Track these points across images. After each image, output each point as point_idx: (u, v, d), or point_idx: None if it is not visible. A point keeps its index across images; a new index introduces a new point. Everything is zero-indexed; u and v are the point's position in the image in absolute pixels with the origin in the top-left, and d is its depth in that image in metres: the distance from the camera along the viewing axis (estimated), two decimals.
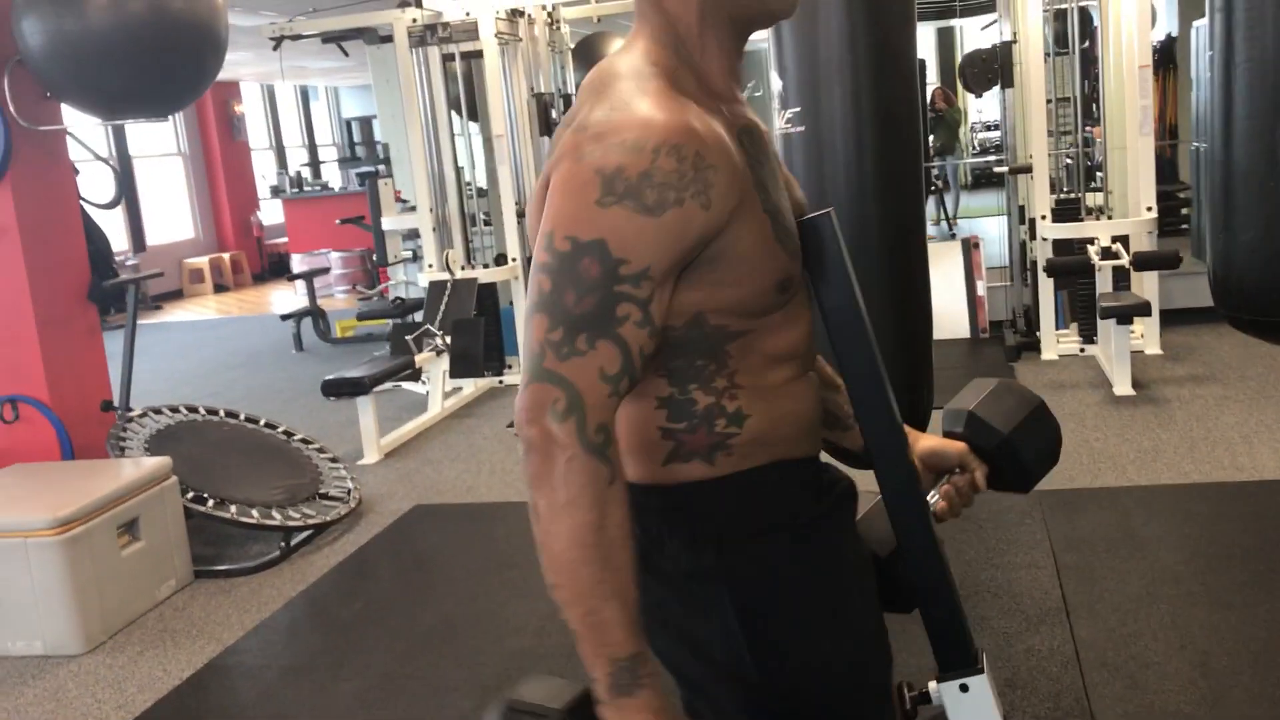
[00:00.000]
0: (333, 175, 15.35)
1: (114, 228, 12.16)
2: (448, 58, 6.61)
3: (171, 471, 3.84)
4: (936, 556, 1.29)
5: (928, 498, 1.40)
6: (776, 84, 2.80)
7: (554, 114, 6.78)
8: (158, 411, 4.47)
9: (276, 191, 13.60)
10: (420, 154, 6.47)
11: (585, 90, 1.17)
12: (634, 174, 1.05)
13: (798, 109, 2.74)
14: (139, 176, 12.82)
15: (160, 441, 4.26)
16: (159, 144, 13.32)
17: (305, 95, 16.56)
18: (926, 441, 1.44)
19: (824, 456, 1.35)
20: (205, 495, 3.97)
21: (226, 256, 13.49)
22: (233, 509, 3.97)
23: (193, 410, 4.61)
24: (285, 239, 13.40)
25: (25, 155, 4.04)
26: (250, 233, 14.05)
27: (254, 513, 4.00)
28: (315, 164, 15.88)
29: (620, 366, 1.06)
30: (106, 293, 4.34)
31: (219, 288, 13.17)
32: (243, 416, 4.73)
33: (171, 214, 13.38)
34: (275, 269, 13.68)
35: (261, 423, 4.72)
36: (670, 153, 1.06)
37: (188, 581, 3.86)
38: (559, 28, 7.20)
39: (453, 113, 7.03)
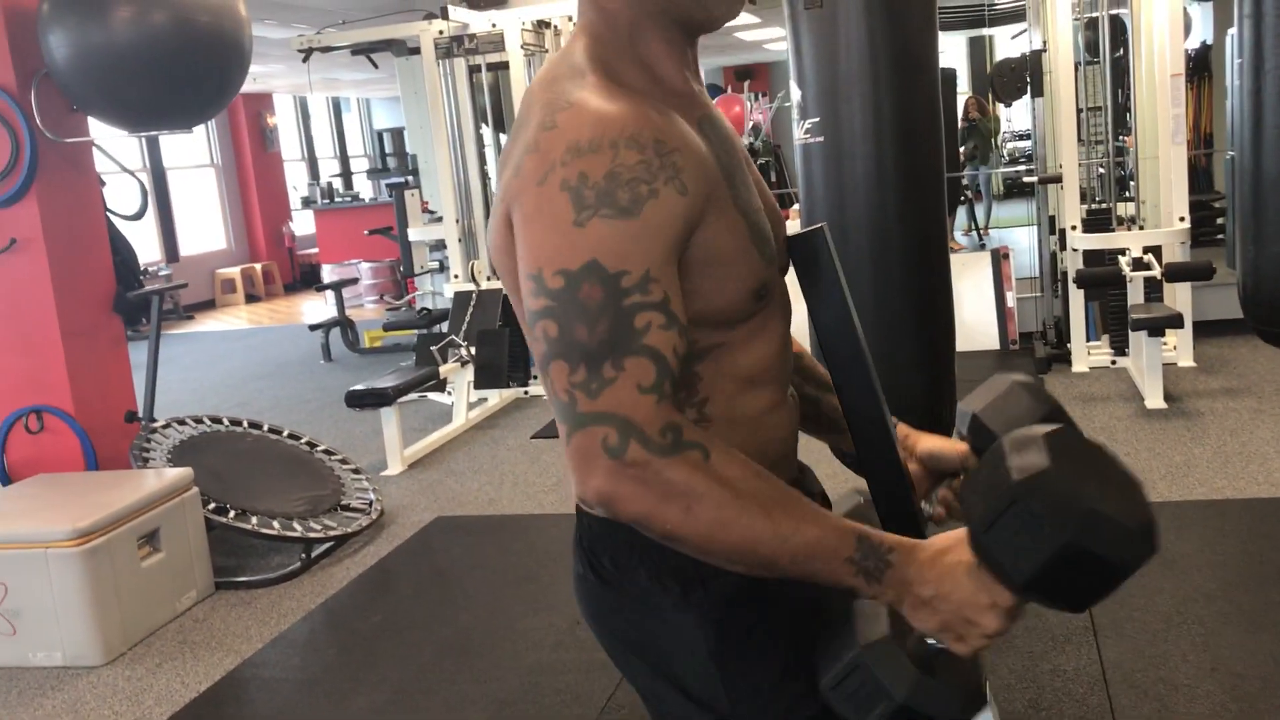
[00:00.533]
0: (364, 186, 15.43)
1: (147, 238, 12.29)
2: (474, 69, 6.62)
3: (193, 483, 3.84)
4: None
5: (922, 504, 1.29)
6: (796, 94, 2.76)
7: None
8: (181, 422, 4.48)
9: (308, 202, 13.68)
10: (446, 165, 6.49)
11: (527, 98, 1.11)
12: (599, 177, 0.99)
13: (817, 119, 2.71)
14: (172, 188, 12.94)
15: (183, 452, 4.27)
16: (192, 155, 13.44)
17: (337, 106, 16.67)
18: (927, 443, 1.36)
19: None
20: (227, 506, 3.97)
21: (258, 267, 13.58)
22: (254, 520, 3.97)
23: (216, 421, 4.62)
24: (316, 249, 13.49)
25: (51, 167, 4.07)
26: (282, 243, 14.15)
27: (275, 524, 4.00)
28: (347, 175, 15.98)
29: (656, 374, 0.98)
30: (131, 304, 4.36)
31: (251, 298, 13.26)
32: (266, 428, 4.74)
33: (204, 225, 13.50)
34: (307, 279, 13.76)
35: (285, 434, 4.73)
36: (629, 144, 1.00)
37: (209, 592, 3.86)
38: None
39: (481, 123, 7.05)
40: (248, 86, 13.07)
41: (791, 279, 1.24)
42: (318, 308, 11.74)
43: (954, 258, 7.07)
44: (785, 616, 1.14)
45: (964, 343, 6.23)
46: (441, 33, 6.36)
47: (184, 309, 12.27)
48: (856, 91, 2.67)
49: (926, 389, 2.75)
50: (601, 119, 1.02)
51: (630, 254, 0.98)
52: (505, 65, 6.42)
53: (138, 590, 3.52)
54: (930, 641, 1.03)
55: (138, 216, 4.56)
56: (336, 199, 13.49)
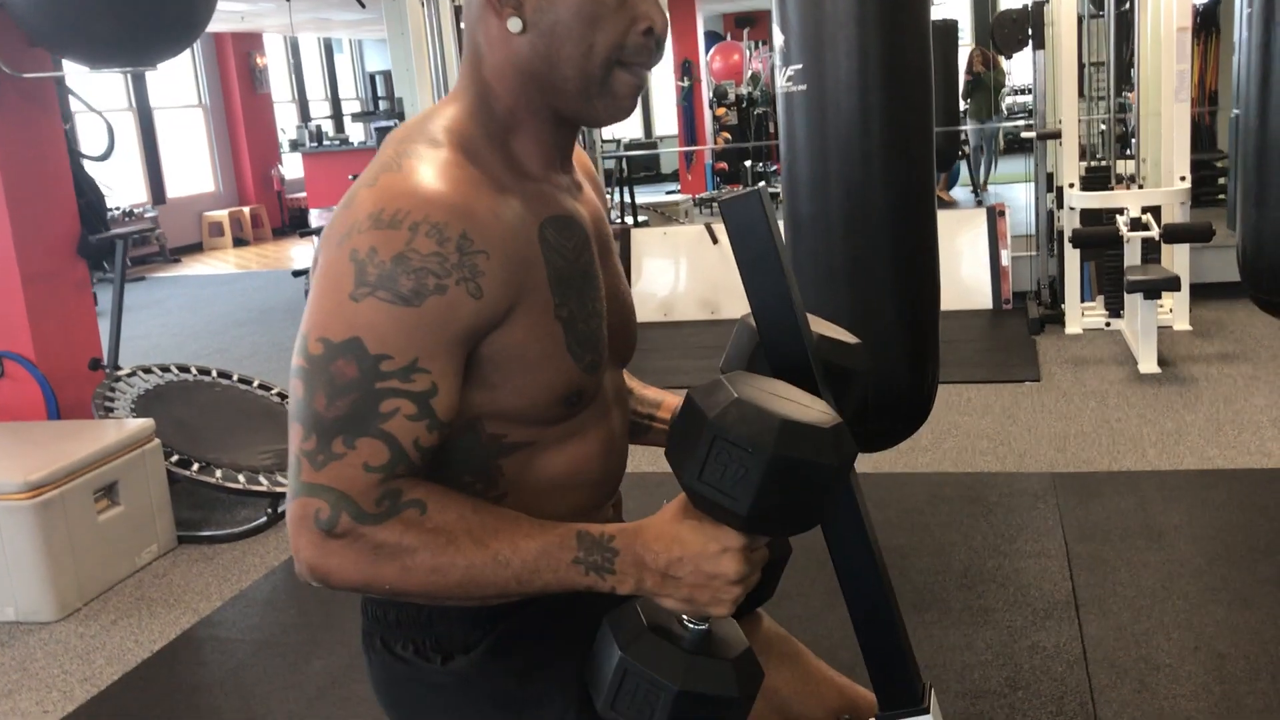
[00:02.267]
0: (355, 129, 15.19)
1: (133, 180, 12.09)
2: (459, 9, 6.42)
3: (155, 434, 3.72)
4: (875, 575, 1.14)
5: None
6: (778, 39, 2.61)
7: None
8: (147, 371, 4.36)
9: (295, 145, 13.46)
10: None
11: (380, 150, 1.07)
12: (387, 257, 0.95)
13: (799, 66, 2.56)
14: (159, 128, 12.70)
15: (148, 402, 4.15)
16: (180, 95, 13.20)
17: (329, 47, 16.37)
18: None
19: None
20: (190, 459, 3.86)
21: (247, 210, 13.39)
22: (218, 474, 3.86)
23: (184, 370, 4.50)
24: (305, 193, 13.30)
25: (10, 104, 3.91)
26: (271, 186, 13.94)
27: (240, 478, 3.89)
28: (338, 118, 15.73)
29: (388, 457, 0.97)
30: (96, 247, 4.21)
31: (238, 241, 13.08)
32: (236, 377, 4.62)
33: (192, 167, 13.28)
34: (296, 223, 13.57)
35: (255, 384, 4.61)
36: (430, 232, 0.96)
37: (170, 547, 3.76)
38: None
39: None
40: (236, 25, 12.84)
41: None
42: (306, 252, 11.57)
43: (948, 214, 6.93)
44: (558, 657, 1.12)
45: (957, 301, 6.14)
46: None
47: (170, 252, 12.10)
48: (842, 36, 2.52)
49: (908, 350, 2.63)
50: (415, 196, 0.98)
51: (398, 340, 0.96)
52: None
53: (94, 545, 3.42)
54: (691, 625, 1.02)
55: (104, 157, 4.40)
56: (325, 142, 13.27)
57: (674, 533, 0.99)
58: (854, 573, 1.14)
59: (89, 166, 4.51)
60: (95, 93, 11.56)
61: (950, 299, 5.45)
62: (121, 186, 11.79)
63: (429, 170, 1.00)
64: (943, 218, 6.59)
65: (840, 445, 0.96)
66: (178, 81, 13.02)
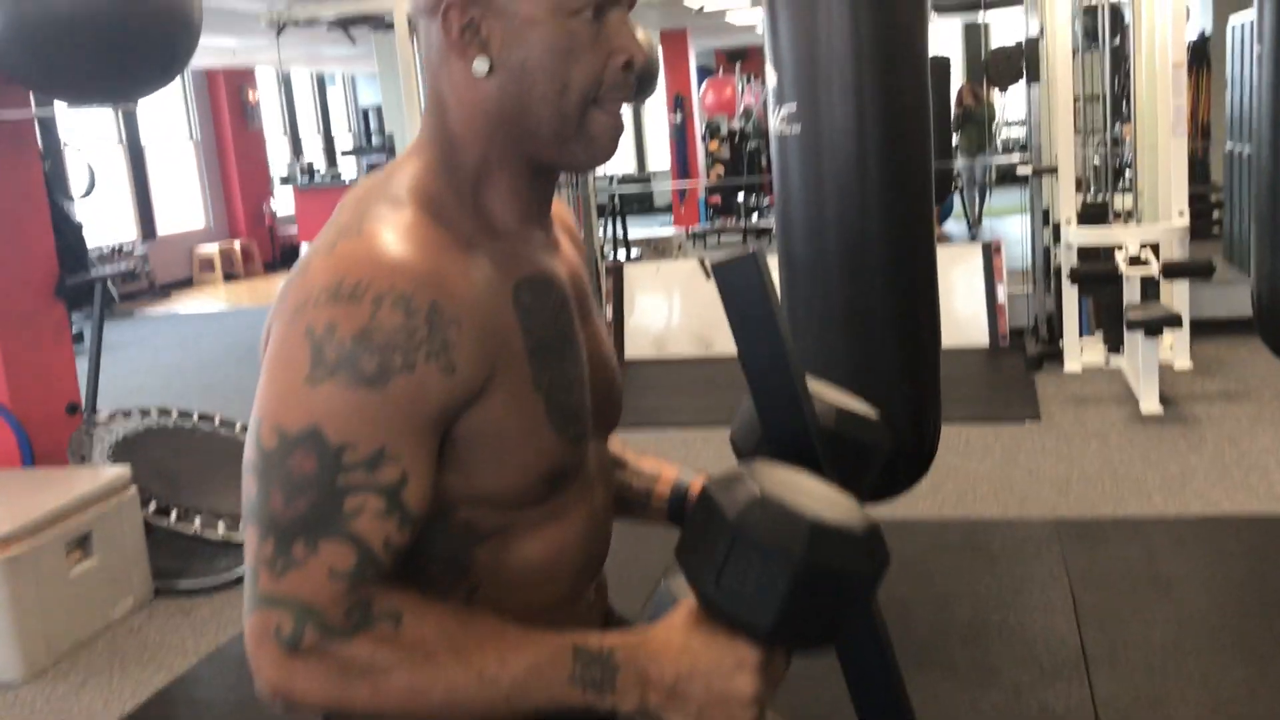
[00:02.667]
0: (347, 165, 15.14)
1: (123, 215, 12.01)
2: None
3: (131, 481, 3.61)
4: (870, 627, 1.02)
5: None
6: (772, 78, 2.53)
7: None
8: (126, 415, 4.24)
9: (287, 180, 13.40)
10: None
11: (341, 203, 0.97)
12: (348, 335, 0.85)
13: (794, 106, 2.47)
14: (151, 163, 12.64)
15: (126, 448, 4.03)
16: (172, 130, 13.15)
17: (321, 83, 16.36)
18: None
19: None
20: (168, 506, 3.74)
21: (238, 245, 13.30)
22: (198, 521, 3.74)
23: (164, 413, 4.39)
24: (296, 228, 13.23)
25: None
26: (263, 221, 13.87)
27: (220, 525, 3.77)
28: (331, 153, 15.69)
29: (355, 562, 0.86)
30: (74, 289, 4.12)
31: (229, 276, 12.99)
32: (217, 420, 4.50)
33: (183, 202, 13.21)
34: (287, 258, 13.49)
35: (238, 427, 4.50)
36: (396, 304, 0.86)
37: (147, 600, 3.63)
38: None
39: None
40: (228, 61, 12.81)
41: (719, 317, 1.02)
42: None
43: (943, 250, 6.84)
44: None
45: (952, 338, 6.04)
46: None
47: (160, 287, 12.00)
48: (838, 76, 2.44)
49: (908, 402, 2.53)
50: (378, 264, 0.88)
51: (360, 428, 0.86)
52: None
53: (65, 600, 3.29)
54: None
55: (85, 196, 4.30)
56: (317, 178, 13.22)
57: (683, 644, 0.88)
58: (857, 651, 1.03)
59: (74, 204, 4.41)
60: (85, 128, 11.50)
61: (946, 336, 5.34)
62: (111, 222, 11.72)
63: (392, 234, 0.90)
64: (939, 253, 6.53)
65: (875, 551, 0.86)
66: (169, 116, 12.97)
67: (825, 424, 1.09)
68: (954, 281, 6.30)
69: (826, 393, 1.14)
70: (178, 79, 12.56)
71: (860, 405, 1.16)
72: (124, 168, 12.18)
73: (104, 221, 11.40)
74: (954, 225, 11.15)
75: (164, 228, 12.63)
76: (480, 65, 0.95)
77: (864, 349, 2.50)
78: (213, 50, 11.52)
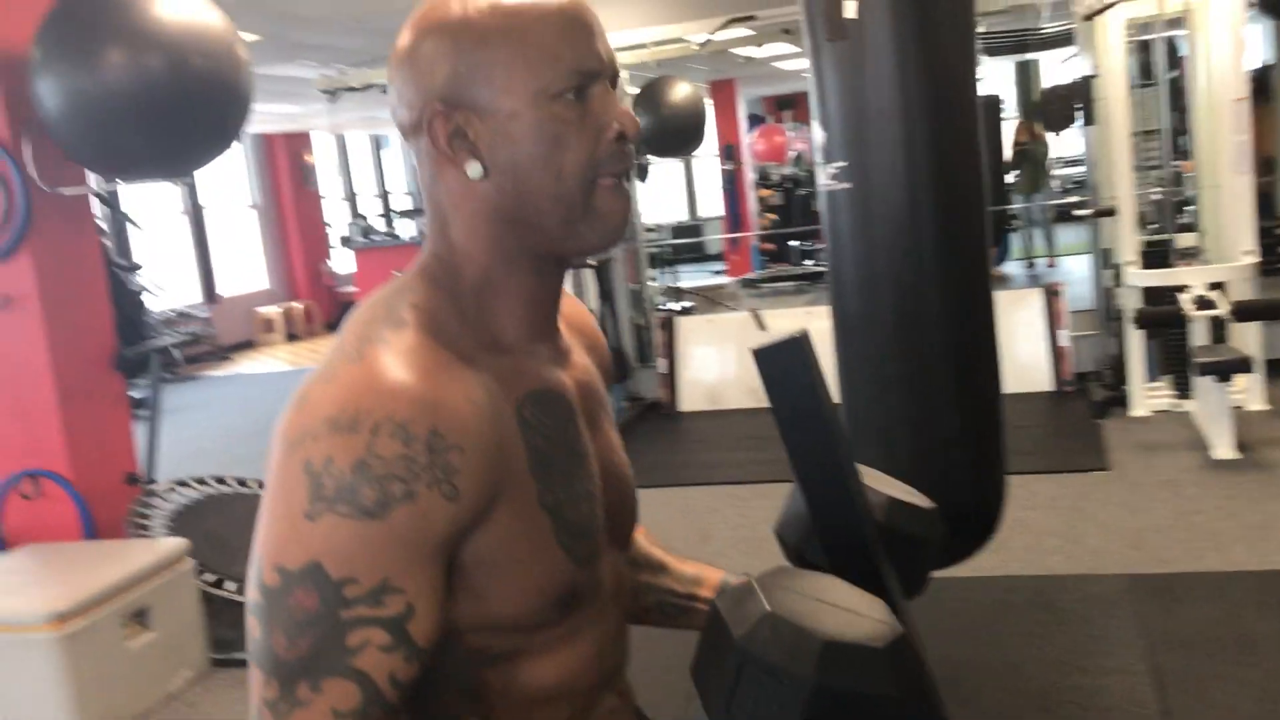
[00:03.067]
0: (404, 225, 15.34)
1: (186, 279, 12.24)
2: None
3: (188, 553, 3.61)
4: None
5: None
6: (819, 136, 2.49)
7: None
8: (184, 484, 4.27)
9: (346, 241, 13.62)
10: None
11: (340, 333, 0.96)
12: (346, 466, 0.82)
13: (843, 164, 2.43)
14: (213, 227, 12.91)
15: (184, 518, 4.05)
16: (231, 195, 13.43)
17: (378, 144, 16.64)
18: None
19: None
20: (225, 577, 3.74)
21: (298, 305, 13.50)
22: None
23: (220, 482, 4.40)
24: (355, 288, 13.40)
25: (46, 220, 3.88)
26: (321, 281, 14.07)
27: None
28: (388, 213, 15.91)
29: (360, 700, 0.83)
30: (132, 360, 4.16)
31: (291, 336, 13.17)
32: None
33: (244, 264, 13.46)
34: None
35: None
36: (395, 433, 0.83)
37: (204, 671, 3.62)
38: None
39: None
40: (286, 126, 13.08)
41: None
42: None
43: (1003, 294, 6.73)
44: None
45: (1015, 383, 5.87)
46: None
47: (223, 350, 12.20)
48: (887, 132, 2.40)
49: (970, 463, 2.45)
50: (377, 392, 0.85)
51: (363, 561, 0.83)
52: None
53: (123, 674, 3.29)
54: None
55: (136, 269, 4.37)
56: (374, 238, 13.40)
57: None
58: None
59: (134, 275, 4.47)
60: (148, 195, 11.77)
61: (1008, 381, 5.24)
62: (175, 287, 11.97)
63: (392, 359, 0.88)
64: (998, 297, 6.40)
65: (901, 667, 0.78)
66: (230, 181, 13.26)
67: (877, 517, 1.02)
68: (1015, 325, 6.18)
69: (877, 482, 1.08)
70: (236, 145, 12.87)
71: (911, 494, 1.10)
72: (187, 233, 12.43)
73: (167, 286, 11.64)
74: (1013, 267, 10.98)
75: (227, 289, 12.86)
76: (474, 169, 0.93)
77: (922, 408, 2.43)
78: (273, 116, 11.78)
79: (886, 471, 1.09)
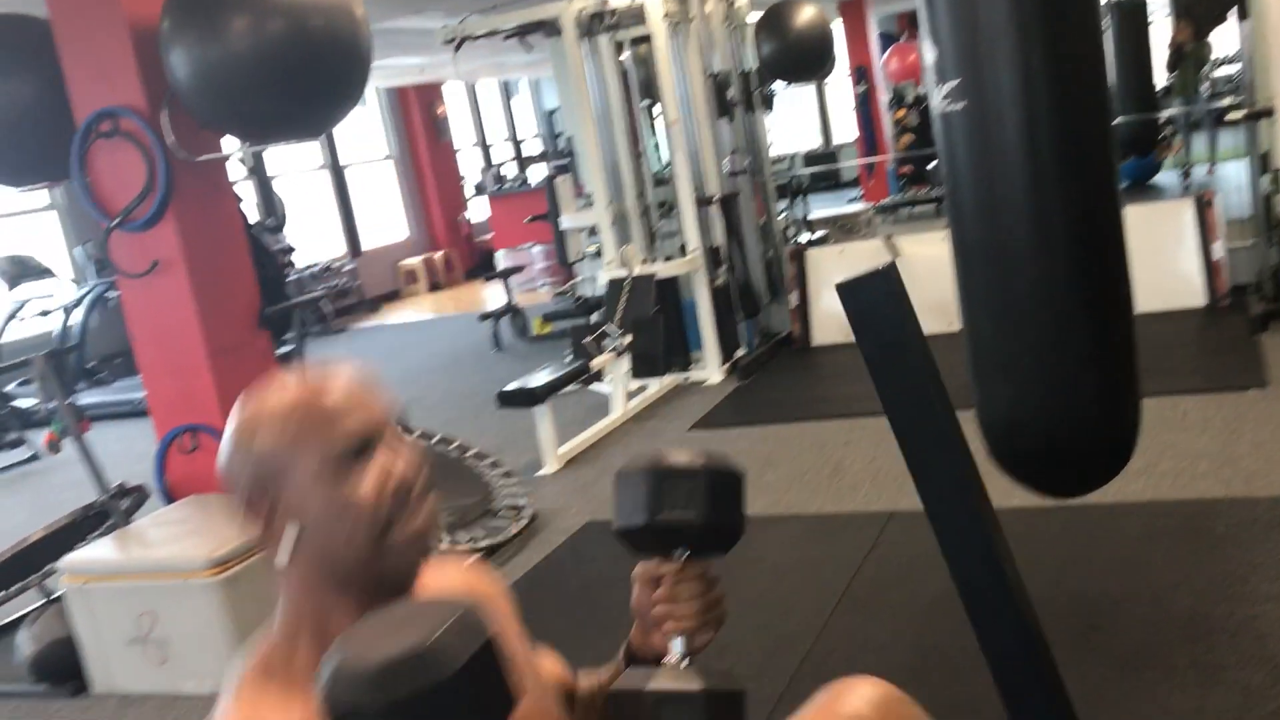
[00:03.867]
0: (535, 169, 15.49)
1: (331, 234, 12.64)
2: (619, 45, 6.39)
3: None
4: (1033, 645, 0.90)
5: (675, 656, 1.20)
6: (930, 55, 2.40)
7: (730, 94, 6.48)
8: None
9: (479, 189, 13.82)
10: (593, 146, 6.28)
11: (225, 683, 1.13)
12: None
13: (956, 82, 2.33)
14: (354, 182, 13.27)
15: None
16: (369, 150, 13.76)
17: (507, 90, 16.76)
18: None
19: None
20: None
21: (438, 255, 13.80)
22: None
23: None
24: (491, 233, 13.63)
25: (187, 187, 4.05)
26: (459, 230, 14.34)
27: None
28: (520, 159, 16.06)
29: None
30: (275, 318, 4.33)
31: (434, 285, 13.48)
32: (418, 433, 4.66)
33: (384, 217, 13.81)
34: (485, 264, 13.91)
35: (435, 439, 4.64)
36: None
37: None
38: (734, 2, 6.85)
39: (634, 99, 6.83)
40: (416, 78, 13.28)
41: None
42: (495, 294, 11.81)
43: (1150, 208, 6.42)
44: None
45: (1165, 300, 5.64)
46: (581, 10, 6.14)
47: (369, 301, 12.59)
48: (1001, 45, 2.28)
49: (1101, 390, 2.35)
50: None
51: None
52: (649, 39, 6.16)
53: None
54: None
55: (279, 228, 4.53)
56: (506, 184, 13.57)
57: None
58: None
59: (277, 235, 4.65)
60: (290, 154, 12.16)
61: (1156, 298, 5.01)
62: (320, 241, 12.37)
63: (227, 699, 1.07)
64: (1145, 210, 6.10)
65: (386, 684, 0.84)
66: (367, 135, 13.58)
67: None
68: (1163, 239, 5.89)
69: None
70: (371, 99, 13.06)
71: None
72: (329, 189, 12.82)
73: (313, 242, 12.04)
74: (1166, 176, 10.40)
75: (369, 243, 13.23)
76: (281, 560, 1.09)
77: (1049, 334, 2.34)
78: (401, 69, 11.97)
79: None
